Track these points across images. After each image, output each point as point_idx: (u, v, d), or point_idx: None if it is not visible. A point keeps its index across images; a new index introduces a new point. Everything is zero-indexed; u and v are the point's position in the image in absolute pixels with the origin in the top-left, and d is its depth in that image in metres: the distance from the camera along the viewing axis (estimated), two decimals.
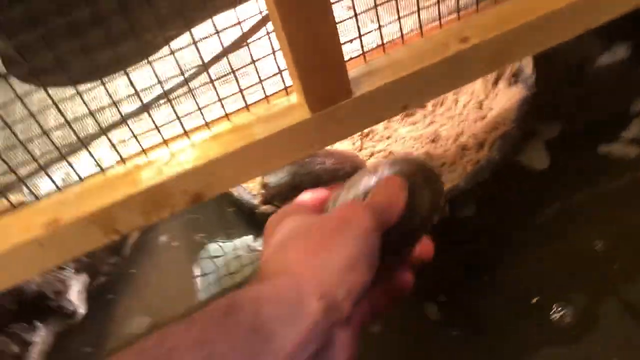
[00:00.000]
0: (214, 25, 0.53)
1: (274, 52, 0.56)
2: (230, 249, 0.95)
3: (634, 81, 0.93)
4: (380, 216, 0.47)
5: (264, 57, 0.56)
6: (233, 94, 0.58)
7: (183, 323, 0.37)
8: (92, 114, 0.53)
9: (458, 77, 0.62)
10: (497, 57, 0.61)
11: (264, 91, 0.60)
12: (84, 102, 0.53)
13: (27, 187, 0.59)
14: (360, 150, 0.92)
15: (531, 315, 0.74)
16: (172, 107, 0.57)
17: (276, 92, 0.61)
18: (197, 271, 0.94)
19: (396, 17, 0.60)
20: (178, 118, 0.57)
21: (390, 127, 0.93)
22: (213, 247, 0.96)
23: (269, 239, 0.50)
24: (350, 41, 0.60)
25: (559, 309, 0.73)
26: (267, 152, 0.58)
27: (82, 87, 0.54)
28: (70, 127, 0.54)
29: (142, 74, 0.58)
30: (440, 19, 0.62)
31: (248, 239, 0.97)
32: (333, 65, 0.54)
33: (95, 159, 0.58)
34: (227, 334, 0.36)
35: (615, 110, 0.89)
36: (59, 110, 0.52)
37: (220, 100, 0.58)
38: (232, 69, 0.56)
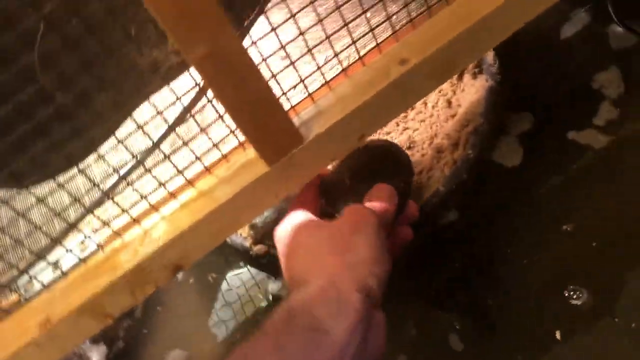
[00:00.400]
0: (154, 106, 0.54)
1: (221, 117, 0.57)
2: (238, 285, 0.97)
3: (599, 48, 0.92)
4: (381, 218, 0.58)
5: (210, 124, 0.57)
6: (191, 163, 0.60)
7: (257, 336, 0.48)
8: (57, 214, 0.55)
9: (407, 98, 0.62)
10: (442, 71, 0.61)
11: (220, 152, 0.61)
12: (46, 204, 0.54)
13: (17, 290, 0.61)
14: None
15: (547, 313, 0.74)
16: (134, 189, 0.58)
17: (235, 148, 0.62)
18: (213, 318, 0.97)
19: (333, 53, 0.60)
20: (144, 197, 0.59)
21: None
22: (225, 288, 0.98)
23: (287, 248, 0.60)
24: (294, 87, 0.61)
25: (572, 294, 0.73)
26: (234, 212, 0.59)
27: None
28: (40, 229, 0.56)
29: (99, 164, 0.60)
30: (377, 43, 0.62)
31: (253, 273, 0.99)
32: (276, 119, 0.55)
33: (74, 252, 0.60)
34: (292, 335, 0.46)
35: (585, 87, 0.88)
36: (23, 215, 0.54)
37: (180, 172, 0.59)
38: (184, 141, 0.57)
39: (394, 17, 0.63)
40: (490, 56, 0.90)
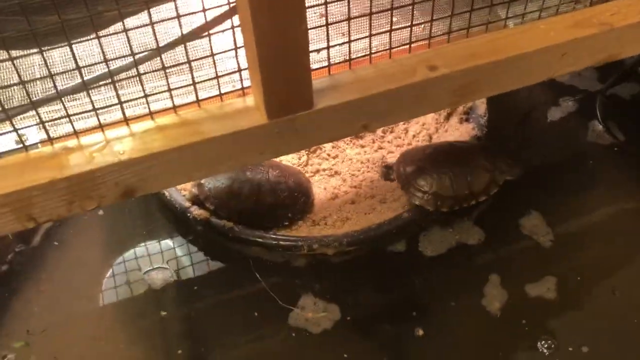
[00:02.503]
0: (176, 8, 0.48)
1: (236, 49, 0.52)
2: (155, 250, 0.88)
3: (574, 141, 0.96)
4: None
5: (224, 51, 0.52)
6: (185, 86, 0.54)
7: None
8: (22, 82, 0.47)
9: (422, 105, 0.60)
10: (464, 90, 0.60)
11: (219, 88, 0.55)
12: (15, 69, 0.46)
13: None
14: (306, 165, 0.89)
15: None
16: (115, 89, 0.51)
17: (231, 92, 0.57)
18: (110, 271, 0.87)
19: (366, 34, 0.57)
20: (120, 103, 0.52)
21: (339, 146, 0.90)
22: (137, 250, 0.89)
23: None
24: (318, 51, 0.57)
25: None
26: (215, 153, 0.53)
27: (14, 53, 0.48)
28: None
29: (85, 49, 0.53)
30: (410, 43, 0.60)
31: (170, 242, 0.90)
32: (299, 71, 0.50)
33: (18, 134, 0.52)
34: None
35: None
36: None
37: (170, 90, 0.53)
38: (188, 58, 0.51)
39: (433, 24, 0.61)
40: (482, 108, 0.91)
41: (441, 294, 0.79)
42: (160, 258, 0.87)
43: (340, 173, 0.87)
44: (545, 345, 0.74)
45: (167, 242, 0.87)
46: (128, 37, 0.48)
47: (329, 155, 0.89)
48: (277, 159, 0.87)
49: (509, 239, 0.84)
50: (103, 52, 0.48)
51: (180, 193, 0.82)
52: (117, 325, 0.82)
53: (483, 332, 0.76)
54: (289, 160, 0.88)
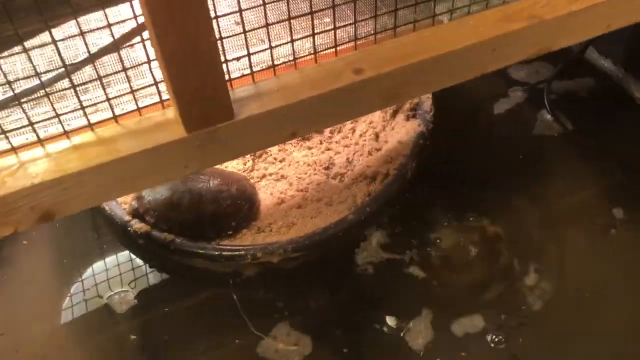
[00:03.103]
0: (78, 25, 0.47)
1: (149, 62, 0.51)
2: (111, 265, 0.86)
3: (522, 133, 0.96)
4: None
5: (136, 65, 0.50)
6: (99, 102, 0.52)
7: None
8: None
9: (350, 109, 0.59)
10: (391, 93, 0.59)
11: (136, 103, 0.53)
12: None
13: None
14: (252, 171, 0.87)
15: None
16: (24, 111, 0.49)
17: (151, 105, 0.55)
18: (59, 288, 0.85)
19: (289, 39, 0.56)
20: (31, 124, 0.50)
21: (285, 149, 0.89)
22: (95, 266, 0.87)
23: None
24: (238, 59, 0.55)
25: None
26: (134, 170, 0.52)
27: None
28: None
29: None
30: (336, 45, 0.58)
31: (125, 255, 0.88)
32: (213, 83, 0.49)
33: None
34: None
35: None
36: None
37: (83, 108, 0.51)
38: (99, 75, 0.50)
39: (359, 25, 0.60)
40: (427, 104, 0.90)
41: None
42: (108, 274, 0.85)
43: (286, 177, 0.85)
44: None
45: (114, 258, 0.86)
46: (59, 52, 0.46)
47: (275, 159, 0.88)
48: (222, 166, 0.85)
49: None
50: (4, 74, 0.46)
51: (121, 207, 0.80)
52: (69, 344, 0.81)
53: None
54: (234, 166, 0.87)
